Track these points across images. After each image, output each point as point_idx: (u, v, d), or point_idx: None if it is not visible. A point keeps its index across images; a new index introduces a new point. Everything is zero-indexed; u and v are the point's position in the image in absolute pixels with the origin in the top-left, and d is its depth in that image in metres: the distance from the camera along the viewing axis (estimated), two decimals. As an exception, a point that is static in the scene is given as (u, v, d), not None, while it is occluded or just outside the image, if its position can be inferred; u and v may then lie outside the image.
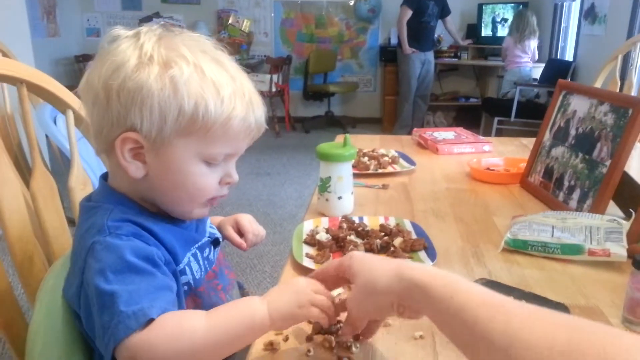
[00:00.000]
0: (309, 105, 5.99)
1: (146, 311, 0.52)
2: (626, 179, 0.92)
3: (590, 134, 0.97)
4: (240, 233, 0.84)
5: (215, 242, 0.73)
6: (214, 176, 0.63)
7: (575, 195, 0.97)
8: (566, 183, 1.01)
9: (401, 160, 1.37)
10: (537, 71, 4.70)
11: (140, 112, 0.57)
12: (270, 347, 0.60)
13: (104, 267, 0.54)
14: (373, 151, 1.43)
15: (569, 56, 4.60)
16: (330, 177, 0.99)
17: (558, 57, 4.80)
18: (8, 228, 0.72)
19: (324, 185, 1.00)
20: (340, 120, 5.74)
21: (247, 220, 0.85)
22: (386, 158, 1.36)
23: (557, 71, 4.36)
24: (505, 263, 0.81)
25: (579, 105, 1.03)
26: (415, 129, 1.69)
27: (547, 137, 1.12)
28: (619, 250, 0.77)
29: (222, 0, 5.81)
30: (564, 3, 4.69)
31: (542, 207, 1.04)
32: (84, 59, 5.11)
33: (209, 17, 5.81)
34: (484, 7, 5.46)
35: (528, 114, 4.26)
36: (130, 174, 0.60)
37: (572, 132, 1.03)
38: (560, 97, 1.10)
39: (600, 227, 0.81)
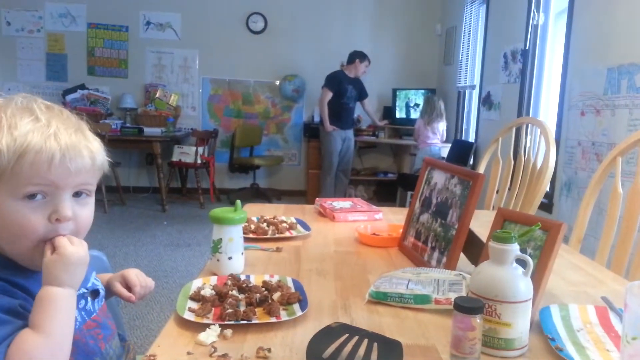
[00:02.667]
0: (235, 177, 6.11)
1: None
2: (473, 238, 1.09)
3: (445, 202, 1.15)
4: (129, 287, 0.91)
5: (94, 294, 0.79)
6: (38, 214, 0.67)
7: (435, 254, 1.13)
8: (429, 245, 1.17)
9: (298, 226, 1.49)
10: (446, 150, 5.15)
11: None
12: None
13: None
14: (274, 218, 1.54)
15: (471, 137, 5.09)
16: (221, 238, 1.08)
17: (462, 138, 5.30)
18: None
19: (216, 247, 1.09)
20: (265, 193, 5.88)
21: (134, 274, 0.91)
22: (285, 224, 1.48)
23: (462, 151, 4.81)
24: (368, 312, 0.93)
25: (439, 178, 1.21)
26: (317, 198, 1.84)
27: (417, 205, 1.29)
28: (459, 298, 0.91)
29: (150, 75, 5.96)
30: (466, 91, 5.26)
31: (412, 265, 1.18)
32: None
33: (136, 91, 5.92)
34: (397, 92, 5.99)
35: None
36: None
37: (434, 201, 1.20)
38: (427, 172, 1.29)
39: (446, 280, 0.96)
